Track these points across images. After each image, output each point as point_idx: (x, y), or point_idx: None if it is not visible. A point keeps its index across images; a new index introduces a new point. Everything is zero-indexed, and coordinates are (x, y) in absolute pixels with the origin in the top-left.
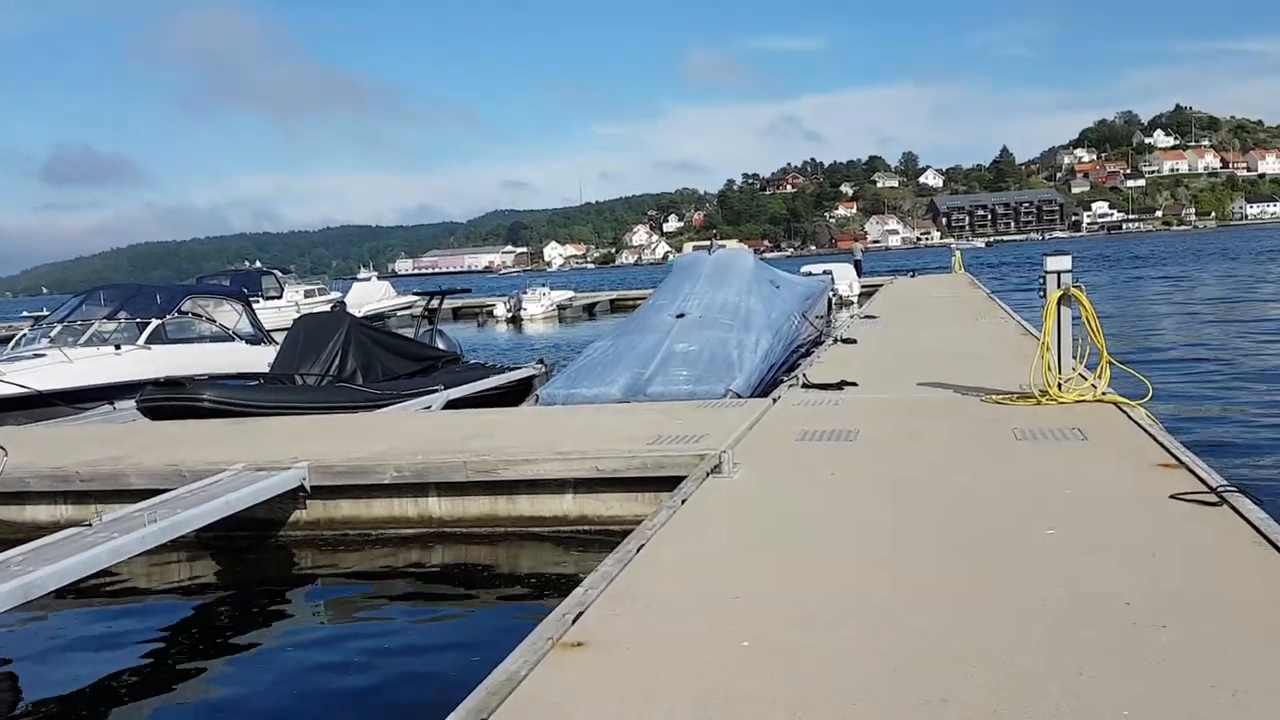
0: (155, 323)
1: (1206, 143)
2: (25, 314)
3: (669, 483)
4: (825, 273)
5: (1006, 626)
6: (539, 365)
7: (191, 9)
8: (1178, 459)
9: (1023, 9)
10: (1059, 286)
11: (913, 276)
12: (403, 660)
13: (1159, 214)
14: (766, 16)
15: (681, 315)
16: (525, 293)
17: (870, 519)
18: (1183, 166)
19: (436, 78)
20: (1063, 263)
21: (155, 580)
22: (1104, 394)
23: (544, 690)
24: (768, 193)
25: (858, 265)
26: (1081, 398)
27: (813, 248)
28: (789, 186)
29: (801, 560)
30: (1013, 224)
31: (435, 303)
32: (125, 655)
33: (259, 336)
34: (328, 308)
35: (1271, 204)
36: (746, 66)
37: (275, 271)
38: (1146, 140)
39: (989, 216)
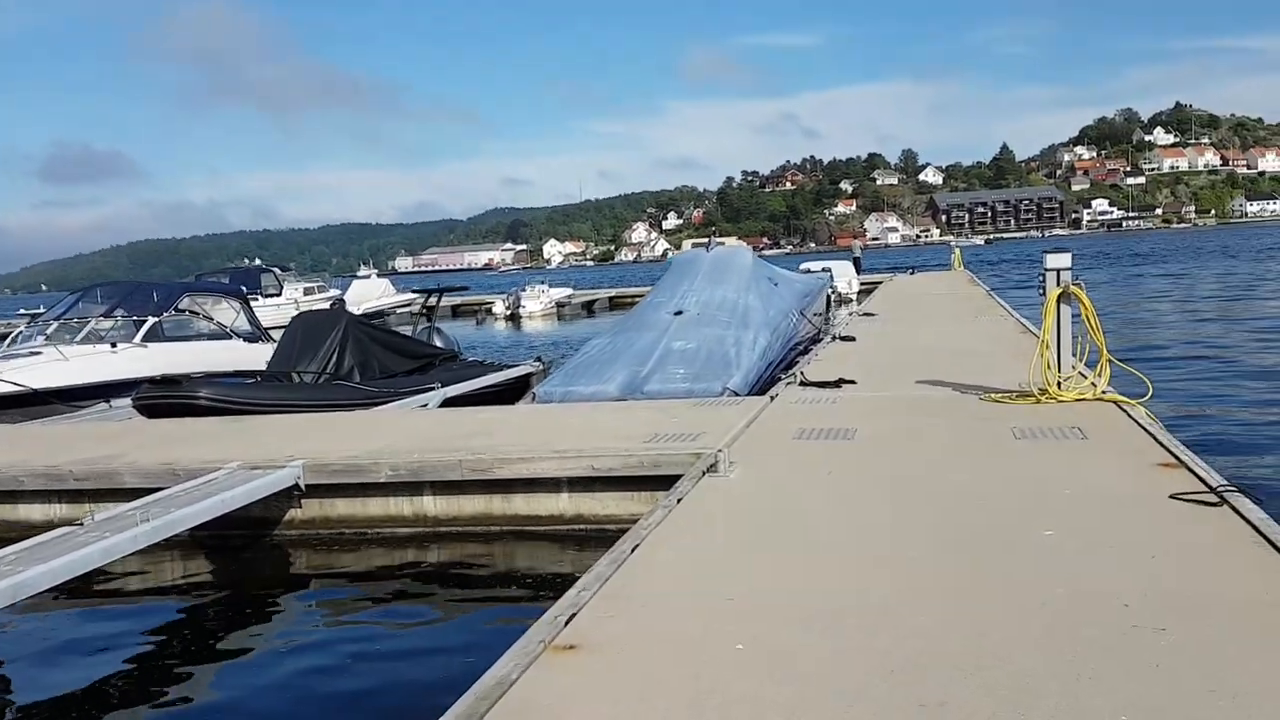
0: (152, 320)
1: (1206, 140)
2: (22, 311)
3: (665, 481)
4: (824, 270)
5: (1005, 627)
6: (537, 363)
7: (190, 7)
8: (1178, 458)
9: (1023, 7)
10: (1059, 284)
11: (912, 274)
12: (396, 662)
13: (1159, 211)
14: (765, 14)
15: (679, 313)
16: (524, 290)
17: (868, 518)
18: (1183, 164)
19: (436, 75)
20: (1062, 260)
21: (148, 580)
22: (1104, 392)
23: (535, 694)
24: (767, 190)
25: (857, 263)
26: (1081, 396)
27: (812, 245)
28: (788, 184)
29: (798, 559)
30: (1013, 221)
31: (433, 300)
32: (117, 656)
33: (256, 334)
34: (327, 305)
35: (1271, 202)
36: (745, 64)
37: (274, 269)
38: (1147, 138)
39: (989, 214)
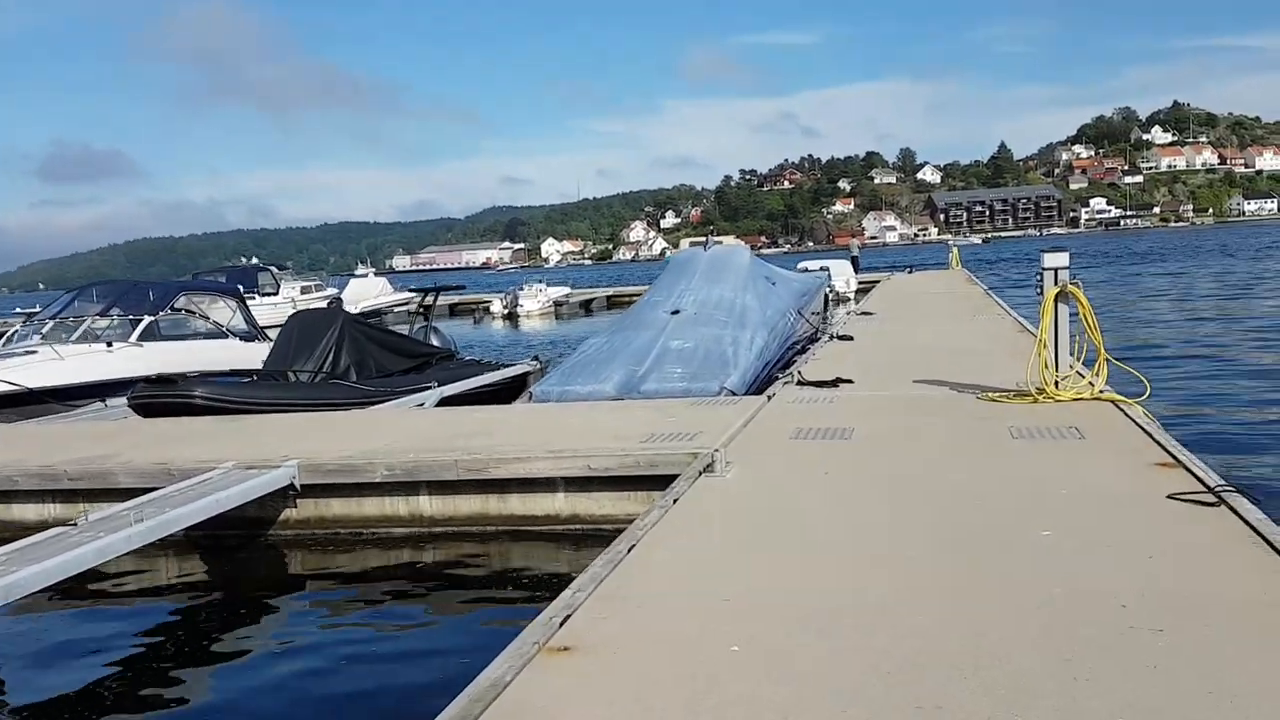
0: (148, 319)
1: (1204, 139)
2: (18, 310)
3: (662, 481)
4: (822, 269)
5: (1002, 627)
6: (534, 362)
7: (190, 6)
8: (1175, 458)
9: (1022, 7)
10: (1056, 283)
11: (910, 273)
12: (391, 664)
13: (1157, 210)
14: (764, 13)
15: (677, 312)
16: (522, 289)
17: (865, 518)
18: (1180, 163)
19: (435, 75)
20: (1060, 259)
21: (143, 580)
22: (1101, 392)
23: (529, 695)
24: (765, 189)
25: (855, 261)
26: (1079, 396)
27: (810, 244)
28: (786, 183)
29: (795, 559)
30: (1010, 220)
31: (429, 299)
32: (111, 657)
33: (253, 333)
34: (324, 304)
35: (1269, 200)
36: (744, 63)
37: (272, 268)
38: (1144, 137)
39: (987, 213)
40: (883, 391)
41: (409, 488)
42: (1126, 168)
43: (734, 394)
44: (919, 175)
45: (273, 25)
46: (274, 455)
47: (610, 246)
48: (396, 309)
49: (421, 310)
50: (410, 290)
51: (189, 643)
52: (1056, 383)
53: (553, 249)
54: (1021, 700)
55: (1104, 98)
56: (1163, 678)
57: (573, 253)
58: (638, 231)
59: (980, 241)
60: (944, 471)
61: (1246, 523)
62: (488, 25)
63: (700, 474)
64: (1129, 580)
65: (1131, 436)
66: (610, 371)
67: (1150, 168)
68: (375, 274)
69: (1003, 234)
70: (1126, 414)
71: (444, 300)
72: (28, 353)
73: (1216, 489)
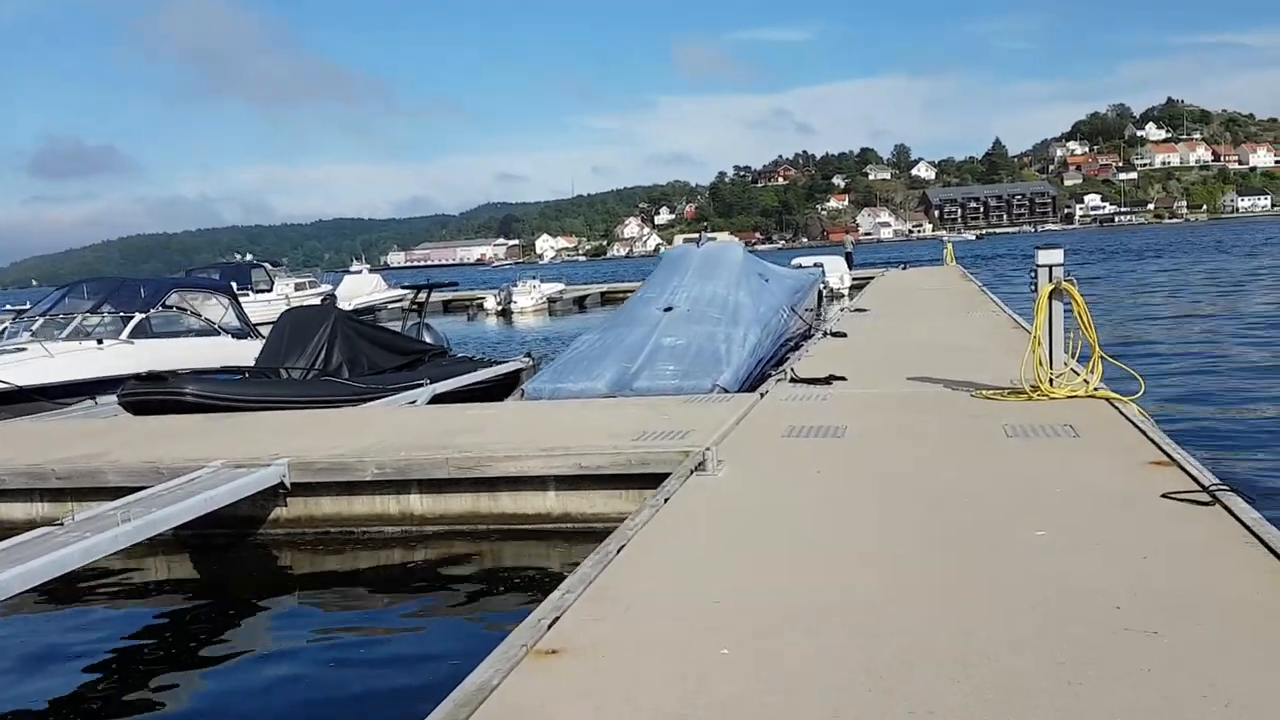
0: (139, 316)
1: (1198, 136)
2: (9, 307)
3: (653, 480)
4: (816, 265)
5: (993, 626)
6: (526, 359)
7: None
8: (1170, 457)
9: (1017, 3)
10: (1050, 280)
11: (904, 269)
12: (380, 665)
13: (1151, 207)
14: (759, 8)
15: (669, 309)
16: (515, 285)
17: (857, 516)
18: (1174, 159)
19: (429, 70)
20: (1054, 256)
21: (131, 580)
22: (1096, 389)
23: (517, 699)
24: (759, 185)
25: (849, 257)
26: (1073, 393)
27: (804, 240)
28: (780, 179)
29: (785, 558)
30: (1005, 216)
31: (422, 296)
32: (97, 658)
33: (245, 330)
34: (319, 301)
35: (1262, 197)
36: (738, 59)
37: (265, 264)
38: (1139, 133)
39: (981, 209)
40: (876, 389)
41: (400, 486)
42: (1121, 164)
43: (727, 391)
44: (913, 171)
45: (267, 20)
46: (264, 453)
47: (605, 243)
48: (390, 305)
49: (414, 307)
50: (404, 287)
51: (177, 644)
52: (1051, 380)
53: (547, 245)
54: (1013, 702)
55: (1099, 94)
56: (1157, 682)
57: (567, 249)
58: (632, 228)
59: (974, 238)
60: (937, 470)
61: (1241, 522)
62: (481, 19)
63: (692, 472)
64: (1123, 581)
65: (1126, 435)
66: (603, 369)
67: (1145, 164)
68: (370, 270)
69: (997, 230)
70: (1121, 412)
71: (438, 297)
72: (17, 350)
73: (1211, 488)
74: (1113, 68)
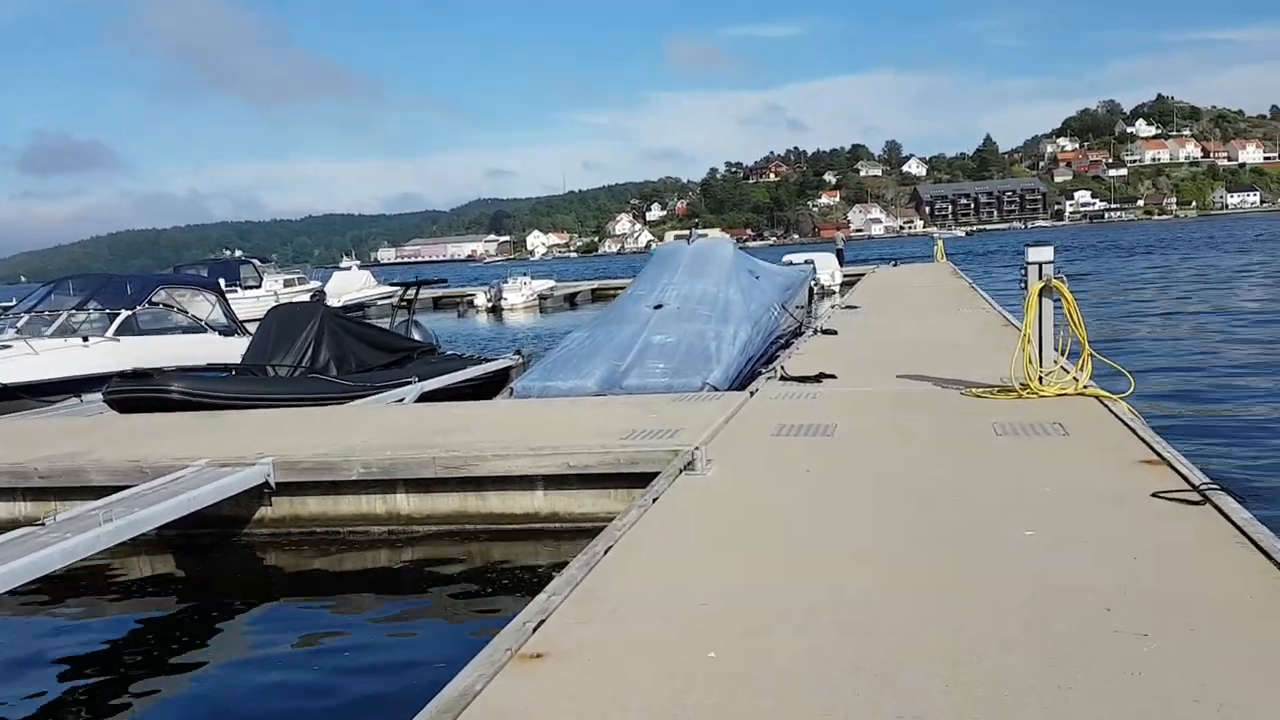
0: (125, 313)
1: (1188, 132)
2: None
3: (642, 479)
4: (807, 262)
5: (982, 624)
6: (516, 356)
7: None
8: (1160, 455)
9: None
10: (1040, 278)
11: (895, 265)
12: (364, 669)
13: (1141, 203)
14: (750, 5)
15: (659, 306)
16: (506, 282)
17: (846, 515)
18: (1164, 156)
19: (421, 66)
20: (1044, 253)
21: (114, 581)
22: (1085, 387)
23: (500, 704)
24: (751, 181)
25: (840, 254)
26: (1063, 391)
27: (795, 236)
28: (772, 175)
29: (774, 558)
30: (995, 213)
31: (412, 293)
32: (78, 660)
33: (232, 327)
34: (307, 297)
35: (1251, 193)
36: (730, 55)
37: (254, 260)
38: (1129, 130)
39: (972, 205)
40: (866, 387)
41: (386, 485)
42: (1111, 161)
43: (716, 389)
44: (904, 168)
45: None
46: (249, 452)
47: (596, 239)
48: (380, 302)
49: (404, 304)
50: (394, 284)
51: (159, 646)
52: (1040, 378)
53: (538, 241)
54: (1003, 701)
55: (1088, 91)
56: (1147, 685)
57: (558, 245)
58: (623, 224)
59: (965, 234)
60: (927, 468)
61: (1231, 522)
62: (472, 14)
63: (680, 472)
64: (1113, 580)
65: (1116, 433)
66: (592, 367)
67: (1134, 161)
68: (360, 267)
69: (987, 227)
70: (1111, 410)
71: (428, 293)
72: (2, 347)
73: (1201, 487)
74: (1103, 64)
